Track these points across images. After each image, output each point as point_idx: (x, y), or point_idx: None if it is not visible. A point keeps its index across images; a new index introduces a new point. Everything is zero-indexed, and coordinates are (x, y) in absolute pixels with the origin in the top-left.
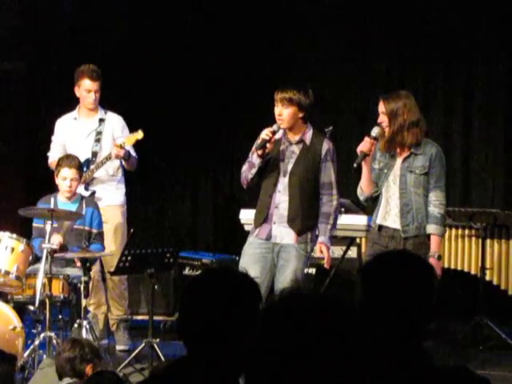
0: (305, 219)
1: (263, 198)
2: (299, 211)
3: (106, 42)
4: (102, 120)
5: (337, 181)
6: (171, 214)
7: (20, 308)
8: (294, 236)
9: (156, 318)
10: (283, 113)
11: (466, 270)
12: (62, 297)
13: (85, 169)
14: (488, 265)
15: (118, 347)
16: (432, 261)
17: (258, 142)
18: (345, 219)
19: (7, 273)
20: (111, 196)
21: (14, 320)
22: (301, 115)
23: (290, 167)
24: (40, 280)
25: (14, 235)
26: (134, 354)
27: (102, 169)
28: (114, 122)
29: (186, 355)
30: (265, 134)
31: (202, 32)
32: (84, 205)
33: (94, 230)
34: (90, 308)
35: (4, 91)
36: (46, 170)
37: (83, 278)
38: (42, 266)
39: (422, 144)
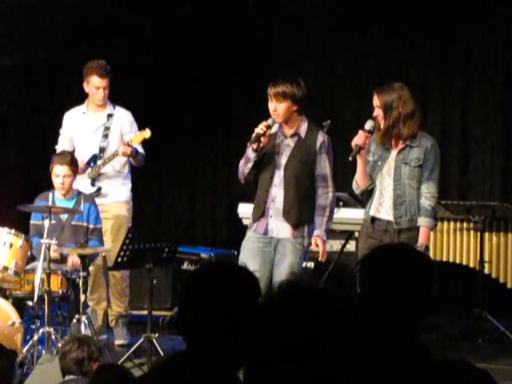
0: (300, 212)
1: (260, 192)
2: (294, 204)
3: (107, 37)
4: (110, 115)
5: (332, 173)
6: (169, 208)
7: (19, 303)
8: (290, 230)
9: (155, 312)
10: (278, 108)
11: (464, 263)
12: (60, 292)
13: (92, 164)
14: (487, 258)
15: (117, 342)
16: None
17: (253, 135)
18: (343, 213)
19: (6, 268)
20: (117, 192)
21: (13, 315)
22: (295, 108)
23: (284, 161)
24: (38, 275)
25: (13, 231)
26: (132, 349)
27: (108, 164)
28: (123, 118)
29: (185, 349)
30: (259, 128)
31: (199, 29)
32: (82, 200)
33: (91, 226)
34: (90, 303)
35: (2, 86)
36: (45, 166)
37: (82, 274)
38: (40, 262)
39: (417, 136)
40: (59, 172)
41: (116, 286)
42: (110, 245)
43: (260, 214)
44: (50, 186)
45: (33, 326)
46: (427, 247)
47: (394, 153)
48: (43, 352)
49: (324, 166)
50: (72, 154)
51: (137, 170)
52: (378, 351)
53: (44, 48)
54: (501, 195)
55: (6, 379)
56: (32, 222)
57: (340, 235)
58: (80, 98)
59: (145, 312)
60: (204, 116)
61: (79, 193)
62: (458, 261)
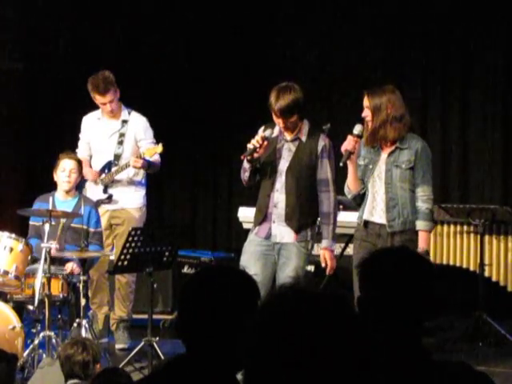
0: (302, 217)
1: (262, 197)
2: (296, 209)
3: (105, 42)
4: (125, 121)
5: (334, 177)
6: (170, 212)
7: (19, 307)
8: (293, 234)
9: (155, 316)
10: (287, 124)
11: (464, 266)
12: (61, 296)
13: (106, 171)
14: (487, 261)
15: (118, 346)
16: None
17: (248, 148)
18: (343, 216)
19: (6, 272)
20: (129, 199)
21: (14, 320)
22: (300, 115)
23: (286, 165)
24: (39, 279)
25: (13, 235)
26: (133, 353)
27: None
28: (137, 124)
29: (185, 353)
30: (255, 140)
31: (199, 30)
32: (83, 203)
33: (92, 229)
34: (93, 307)
35: (3, 91)
36: (45, 169)
37: (82, 278)
38: (40, 266)
39: (407, 138)
40: (66, 166)
41: (120, 291)
42: (120, 249)
43: (262, 218)
44: (50, 189)
45: (33, 330)
46: (427, 252)
47: (384, 156)
48: (44, 356)
49: (326, 169)
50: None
51: (148, 177)
52: (378, 355)
53: (43, 51)
54: (501, 198)
55: (7, 383)
56: (31, 222)
57: (340, 238)
58: (82, 101)
59: (145, 316)
60: (204, 120)
61: (81, 196)
62: (458, 264)
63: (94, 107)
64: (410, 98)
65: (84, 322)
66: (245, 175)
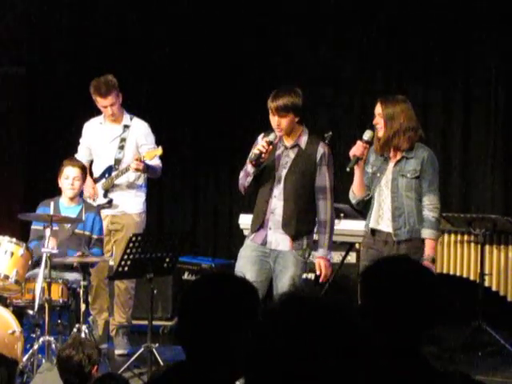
0: (299, 224)
1: (259, 203)
2: (294, 215)
3: (106, 45)
4: (126, 126)
5: (332, 185)
6: (171, 218)
7: (19, 312)
8: (289, 242)
9: (155, 322)
10: (281, 123)
11: (465, 275)
12: (61, 301)
13: (106, 175)
14: (487, 271)
15: (117, 352)
16: (426, 264)
17: (253, 153)
18: (344, 225)
19: (6, 277)
20: (128, 204)
21: (13, 324)
22: (297, 119)
23: (285, 172)
24: (39, 284)
25: (14, 239)
26: (132, 359)
27: (123, 176)
28: (139, 129)
29: (185, 360)
30: (261, 145)
31: (202, 31)
32: (84, 210)
33: (95, 236)
34: (93, 312)
35: (4, 95)
36: (46, 173)
37: (82, 283)
38: (41, 271)
39: (414, 148)
40: (70, 173)
41: (120, 297)
42: (119, 255)
43: (259, 225)
44: (51, 193)
45: (33, 335)
46: (434, 259)
47: (391, 164)
48: (43, 361)
49: (324, 177)
50: (83, 162)
51: (148, 181)
52: (378, 363)
53: (45, 56)
54: (502, 208)
55: None
56: (33, 227)
57: (340, 247)
58: (83, 105)
59: (145, 322)
60: (206, 126)
61: (85, 202)
62: (458, 273)
63: (97, 111)
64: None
65: (84, 327)
66: (246, 180)
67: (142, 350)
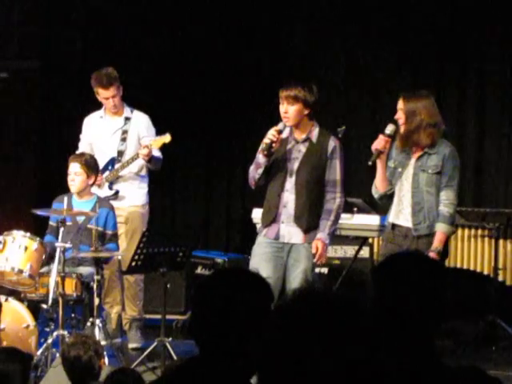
0: (311, 217)
1: (271, 197)
2: (306, 209)
3: (117, 41)
4: (127, 119)
5: (343, 179)
6: (184, 212)
7: (33, 306)
8: (301, 235)
9: (168, 316)
10: (289, 110)
11: (478, 270)
12: (74, 295)
13: (110, 168)
14: (501, 265)
15: (131, 345)
16: (432, 255)
17: (264, 143)
18: (357, 219)
19: (20, 271)
20: (133, 195)
21: (28, 318)
22: (306, 112)
23: (296, 166)
24: (53, 279)
25: (28, 234)
26: (146, 353)
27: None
28: (140, 121)
29: (199, 355)
30: (271, 134)
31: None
32: (98, 205)
33: (109, 232)
34: (105, 306)
35: (17, 90)
36: (58, 168)
37: (96, 277)
38: (55, 265)
39: (437, 144)
40: (71, 169)
41: (130, 290)
42: (125, 248)
43: (271, 219)
44: (63, 188)
45: (47, 329)
46: (440, 252)
47: (413, 160)
48: (57, 355)
49: (334, 171)
50: (91, 156)
51: (151, 174)
52: (389, 357)
53: (59, 51)
54: None
55: (21, 383)
56: (50, 222)
57: (354, 241)
58: (95, 100)
59: (159, 316)
60: (219, 119)
61: (98, 198)
62: (472, 268)
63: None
64: None
65: (98, 321)
66: (257, 172)
67: (155, 344)
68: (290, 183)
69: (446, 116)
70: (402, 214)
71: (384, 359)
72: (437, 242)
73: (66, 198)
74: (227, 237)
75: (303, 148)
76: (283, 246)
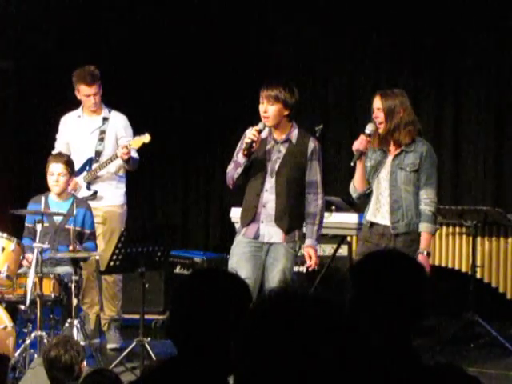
0: (292, 218)
1: (250, 197)
2: (286, 210)
3: (95, 40)
4: (105, 119)
5: (322, 180)
6: (162, 212)
7: (11, 307)
8: (281, 235)
9: (147, 316)
10: (268, 110)
11: (456, 267)
12: (52, 296)
13: (87, 168)
14: (479, 262)
15: (109, 346)
16: (421, 258)
17: (245, 142)
18: (335, 217)
19: None
20: (111, 196)
21: (5, 319)
22: (286, 113)
23: (276, 166)
24: (31, 279)
25: (5, 234)
26: (125, 353)
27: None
28: (118, 122)
29: (176, 355)
30: (251, 134)
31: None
32: (75, 205)
33: (87, 231)
34: (84, 307)
35: None
36: (35, 168)
37: (74, 278)
38: (32, 266)
39: (413, 142)
40: (54, 170)
41: (108, 290)
42: (103, 248)
43: (250, 218)
44: (40, 188)
45: (25, 330)
46: (429, 253)
47: (390, 158)
48: (35, 356)
49: (315, 172)
50: (69, 156)
51: (129, 173)
52: (368, 356)
53: (33, 50)
54: (493, 200)
55: None
56: (26, 224)
57: (332, 240)
58: (74, 101)
59: (137, 316)
60: (197, 119)
61: (75, 197)
62: (450, 265)
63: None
64: None
65: (76, 322)
66: (236, 172)
67: (134, 344)
68: (270, 183)
69: (423, 114)
70: (379, 213)
71: (360, 358)
72: (424, 244)
73: (43, 198)
74: (206, 236)
75: (283, 149)
76: (262, 246)
